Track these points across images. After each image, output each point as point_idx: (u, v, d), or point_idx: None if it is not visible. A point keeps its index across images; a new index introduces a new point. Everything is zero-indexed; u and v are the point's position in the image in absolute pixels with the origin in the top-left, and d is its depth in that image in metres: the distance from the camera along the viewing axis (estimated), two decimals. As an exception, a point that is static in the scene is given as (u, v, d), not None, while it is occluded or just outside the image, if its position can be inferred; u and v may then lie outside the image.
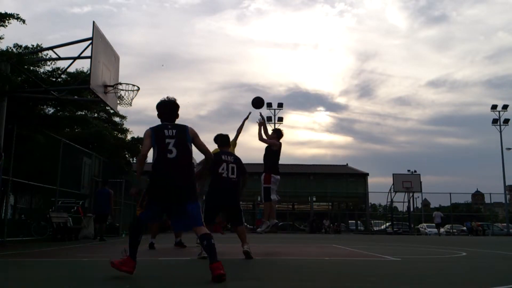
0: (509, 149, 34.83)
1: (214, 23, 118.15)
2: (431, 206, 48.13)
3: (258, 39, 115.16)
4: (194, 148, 4.12)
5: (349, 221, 40.02)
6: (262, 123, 7.73)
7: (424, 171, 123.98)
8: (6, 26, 9.69)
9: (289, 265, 5.56)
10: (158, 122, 4.16)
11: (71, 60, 10.01)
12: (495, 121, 34.33)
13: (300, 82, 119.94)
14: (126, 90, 10.60)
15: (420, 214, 40.43)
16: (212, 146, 6.35)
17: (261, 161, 7.67)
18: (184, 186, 3.81)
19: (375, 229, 35.74)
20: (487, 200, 39.08)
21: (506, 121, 34.29)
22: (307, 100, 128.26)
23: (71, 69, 11.35)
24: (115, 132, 18.18)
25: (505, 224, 33.96)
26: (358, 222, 41.01)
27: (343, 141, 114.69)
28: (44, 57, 10.60)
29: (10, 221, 15.20)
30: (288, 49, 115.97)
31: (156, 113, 4.16)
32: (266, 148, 7.61)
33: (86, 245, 10.01)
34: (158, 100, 4.17)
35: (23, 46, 10.36)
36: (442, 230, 30.25)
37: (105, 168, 15.78)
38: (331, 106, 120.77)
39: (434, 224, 29.58)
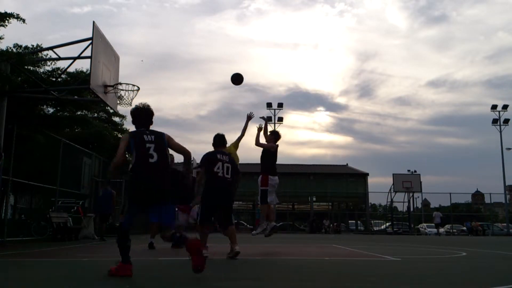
0: (509, 149, 34.83)
1: (214, 23, 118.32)
2: (431, 206, 48.11)
3: (258, 39, 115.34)
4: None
5: (349, 221, 40.00)
6: (261, 128, 7.68)
7: (424, 171, 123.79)
8: (6, 26, 9.70)
9: (289, 265, 5.57)
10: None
11: (71, 60, 10.02)
12: (495, 121, 34.33)
13: (300, 82, 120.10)
14: (126, 90, 10.62)
15: (420, 214, 40.40)
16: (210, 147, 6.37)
17: (261, 161, 7.65)
18: (165, 189, 3.96)
19: (375, 229, 35.72)
20: (487, 200, 39.10)
21: (506, 121, 34.28)
22: (307, 100, 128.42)
23: (71, 69, 11.38)
24: (115, 132, 18.18)
25: (505, 224, 33.95)
26: (358, 222, 40.99)
27: (343, 141, 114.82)
28: (44, 57, 10.61)
29: (10, 221, 15.21)
30: (288, 49, 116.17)
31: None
32: (263, 150, 7.60)
33: (86, 245, 10.01)
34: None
35: (23, 46, 10.37)
36: (442, 230, 30.27)
37: (105, 168, 15.76)
38: (331, 106, 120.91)
39: (434, 224, 29.62)
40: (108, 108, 13.76)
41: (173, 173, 4.99)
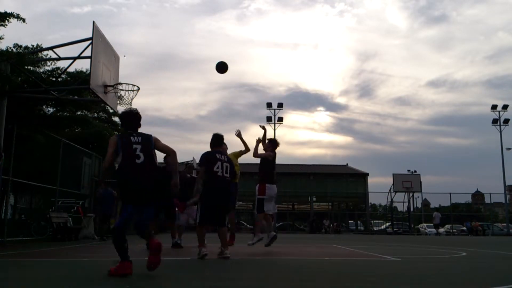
0: (509, 149, 34.82)
1: (214, 23, 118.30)
2: (431, 206, 48.14)
3: (258, 39, 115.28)
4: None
5: (349, 221, 39.97)
6: (260, 140, 7.64)
7: (424, 171, 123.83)
8: (6, 25, 9.70)
9: (289, 265, 5.56)
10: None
11: (71, 60, 10.02)
12: (495, 121, 34.31)
13: (300, 82, 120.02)
14: (126, 90, 10.63)
15: (420, 214, 40.43)
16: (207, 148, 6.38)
17: (262, 162, 7.64)
18: (153, 190, 4.07)
19: (375, 229, 35.72)
20: (487, 200, 39.09)
21: (506, 121, 34.27)
22: (307, 100, 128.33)
23: (71, 69, 11.39)
24: (115, 132, 18.17)
25: (505, 224, 33.94)
26: (358, 222, 40.97)
27: (343, 141, 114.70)
28: (44, 57, 10.61)
29: (10, 221, 15.21)
30: (288, 49, 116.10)
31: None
32: (261, 159, 7.57)
33: (86, 245, 10.01)
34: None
35: (23, 46, 10.37)
36: (441, 230, 30.27)
37: (105, 168, 15.77)
38: (331, 106, 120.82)
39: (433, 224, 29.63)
40: (108, 108, 13.77)
41: (163, 172, 5.05)
